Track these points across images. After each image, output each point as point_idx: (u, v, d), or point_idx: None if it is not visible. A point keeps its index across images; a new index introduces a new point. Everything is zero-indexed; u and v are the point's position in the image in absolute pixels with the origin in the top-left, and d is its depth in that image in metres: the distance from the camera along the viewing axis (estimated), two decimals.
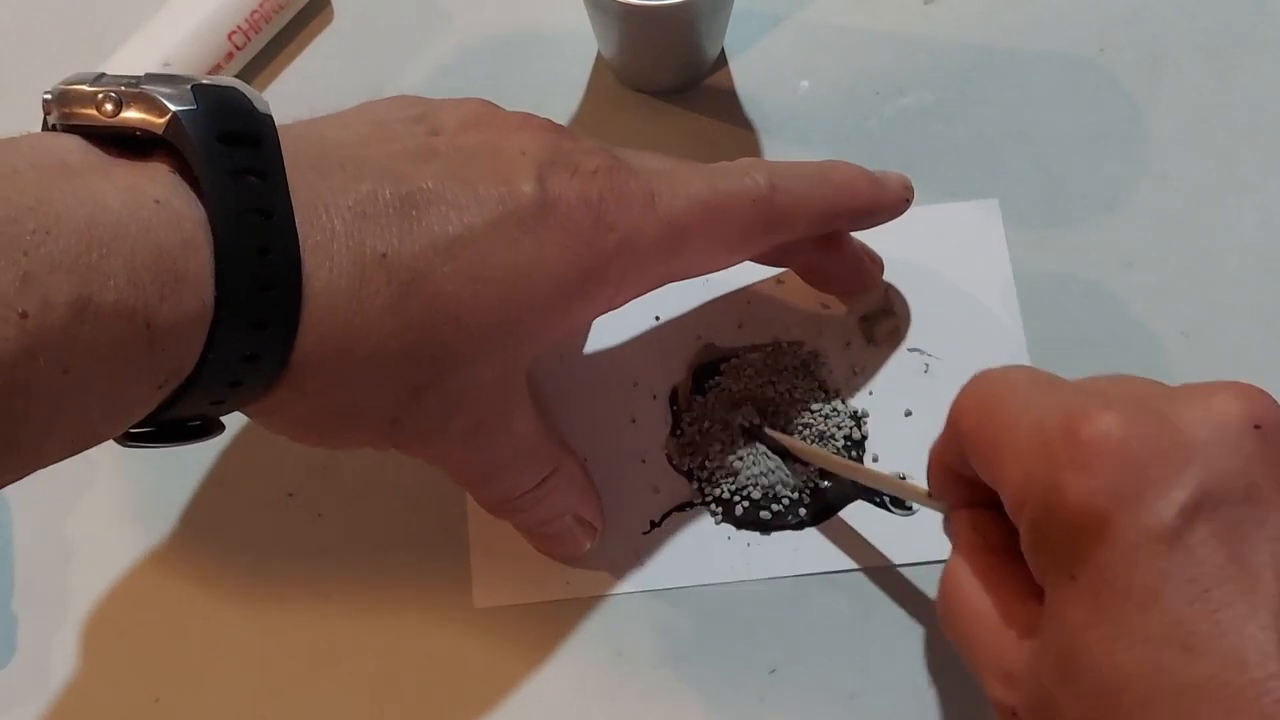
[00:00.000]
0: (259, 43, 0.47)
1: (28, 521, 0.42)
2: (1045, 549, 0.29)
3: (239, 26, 0.45)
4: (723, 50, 0.47)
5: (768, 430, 0.41)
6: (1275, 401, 0.29)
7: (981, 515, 0.34)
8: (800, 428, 0.41)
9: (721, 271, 0.39)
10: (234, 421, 0.34)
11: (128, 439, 0.30)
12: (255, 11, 0.46)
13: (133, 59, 0.45)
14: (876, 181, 0.38)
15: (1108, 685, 0.27)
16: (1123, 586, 0.27)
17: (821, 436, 0.41)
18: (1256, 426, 0.28)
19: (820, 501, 0.41)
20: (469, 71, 0.47)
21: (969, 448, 0.32)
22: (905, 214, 0.44)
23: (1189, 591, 0.27)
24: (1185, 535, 0.27)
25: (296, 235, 0.29)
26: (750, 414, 0.41)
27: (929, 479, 0.36)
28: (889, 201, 0.39)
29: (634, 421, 0.42)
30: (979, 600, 0.32)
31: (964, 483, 0.34)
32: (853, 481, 0.41)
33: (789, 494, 0.41)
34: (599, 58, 0.47)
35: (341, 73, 0.47)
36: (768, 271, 0.43)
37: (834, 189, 0.37)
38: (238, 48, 0.46)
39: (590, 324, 0.42)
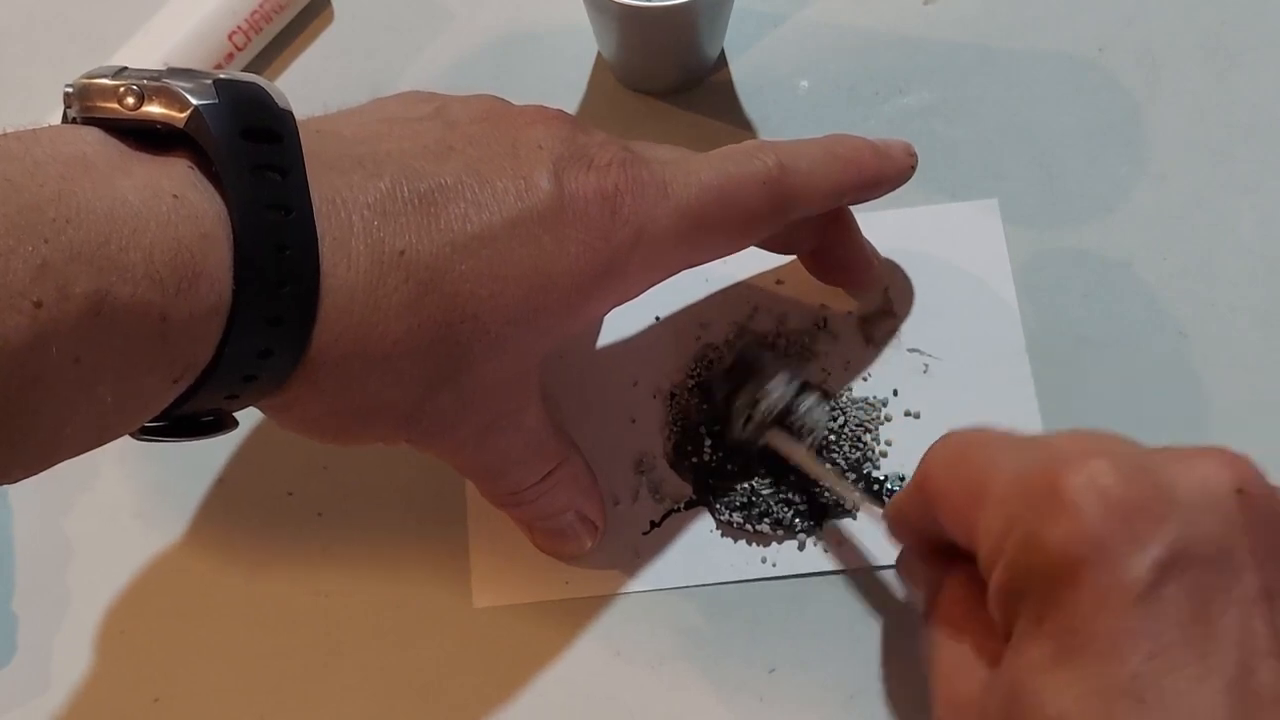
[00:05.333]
0: (259, 43, 0.47)
1: (28, 521, 0.42)
2: (1017, 594, 0.29)
3: (239, 26, 0.46)
4: (723, 50, 0.47)
5: (766, 437, 0.41)
6: (1258, 469, 0.29)
7: (948, 565, 0.34)
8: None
9: (721, 270, 0.39)
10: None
11: (141, 433, 0.31)
12: (255, 11, 0.46)
13: (133, 59, 0.45)
14: (881, 152, 0.39)
15: None
16: (1086, 634, 0.28)
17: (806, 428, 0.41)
18: (1239, 491, 0.28)
19: (820, 502, 0.41)
20: (469, 72, 0.47)
21: (939, 502, 0.33)
22: (905, 214, 0.44)
23: (1150, 647, 0.27)
24: (1155, 591, 0.27)
25: (315, 232, 0.30)
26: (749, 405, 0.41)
27: (888, 529, 0.37)
28: (894, 171, 0.39)
29: (634, 421, 0.42)
30: (944, 638, 0.33)
31: (922, 539, 0.35)
32: (857, 483, 0.41)
33: (790, 493, 0.41)
34: (599, 58, 0.47)
35: (342, 73, 0.48)
36: (767, 270, 0.43)
37: (841, 164, 0.38)
38: (238, 48, 0.46)
39: (604, 316, 0.42)
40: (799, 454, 0.40)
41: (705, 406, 0.42)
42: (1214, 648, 0.27)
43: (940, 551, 0.35)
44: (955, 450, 0.33)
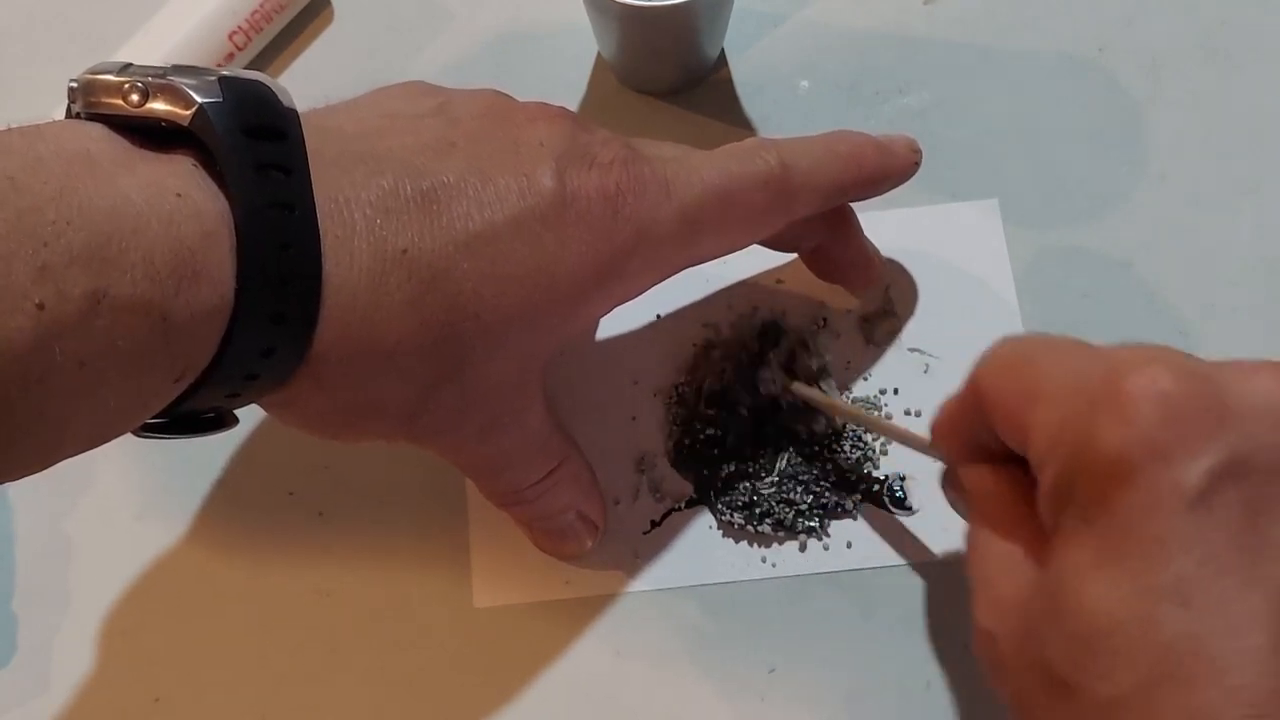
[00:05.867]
0: (259, 43, 0.47)
1: (28, 521, 0.42)
2: (1067, 493, 0.29)
3: (239, 27, 0.46)
4: (723, 50, 0.47)
5: (794, 386, 0.41)
6: None
7: (996, 467, 0.34)
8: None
9: (721, 269, 0.39)
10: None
11: (142, 430, 0.31)
12: (255, 11, 0.46)
13: (133, 59, 0.44)
14: (883, 148, 0.39)
15: (1095, 627, 0.28)
16: (1136, 535, 0.28)
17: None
18: None
19: (821, 502, 0.41)
20: (469, 72, 0.47)
21: (992, 405, 0.33)
22: (905, 214, 0.44)
23: (1200, 552, 0.27)
24: (1209, 498, 0.27)
25: (318, 231, 0.30)
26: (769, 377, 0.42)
27: (934, 438, 0.37)
28: (897, 168, 0.39)
29: (634, 419, 0.42)
30: (991, 536, 0.33)
31: (972, 447, 0.35)
32: (857, 483, 0.41)
33: (791, 493, 0.41)
34: (599, 58, 0.47)
35: (342, 73, 0.48)
36: (768, 269, 0.43)
37: (843, 161, 0.38)
38: (238, 48, 0.46)
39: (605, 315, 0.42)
40: (836, 402, 0.41)
41: (724, 370, 0.42)
42: (1264, 558, 0.27)
43: (988, 459, 0.34)
44: (1012, 352, 0.33)
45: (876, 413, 0.42)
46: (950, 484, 0.38)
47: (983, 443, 0.34)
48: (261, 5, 0.46)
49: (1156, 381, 0.28)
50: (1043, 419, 0.30)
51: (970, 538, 0.34)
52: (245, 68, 0.47)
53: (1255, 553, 0.27)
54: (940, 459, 0.37)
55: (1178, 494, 0.27)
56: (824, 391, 0.42)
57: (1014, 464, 0.33)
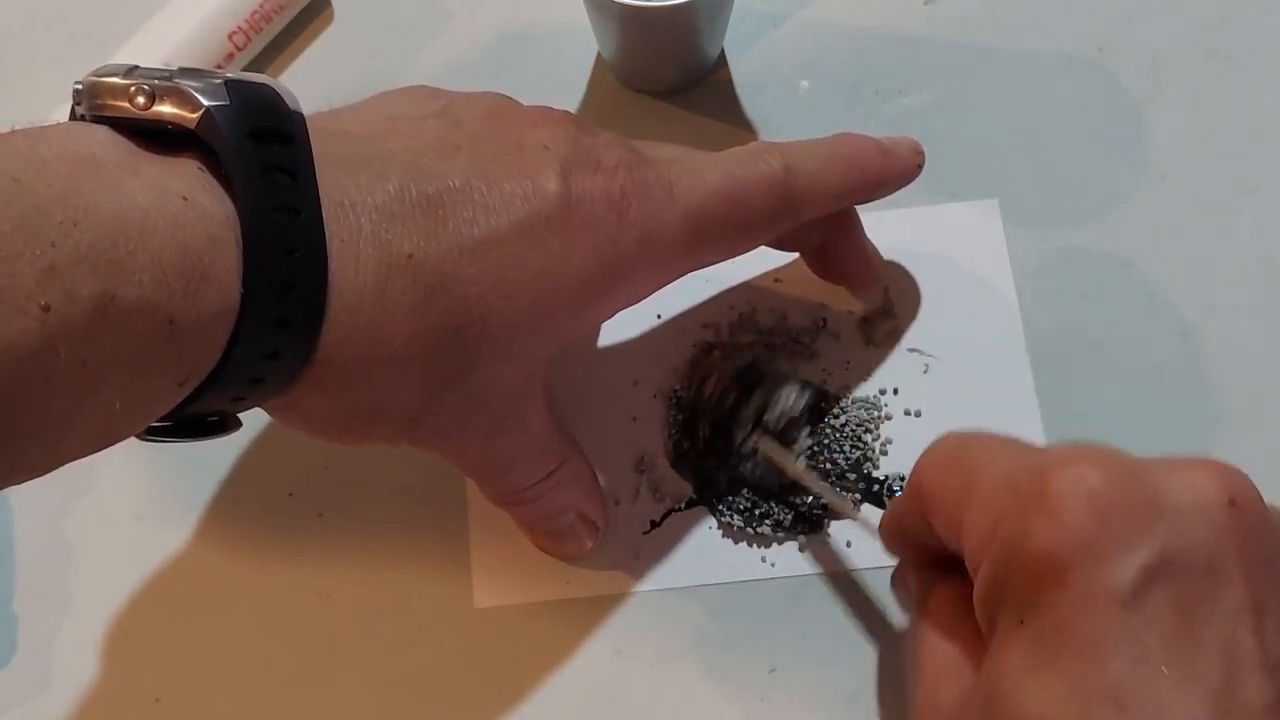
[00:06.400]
0: (259, 43, 0.47)
1: (28, 521, 0.42)
2: (1000, 594, 0.29)
3: (239, 27, 0.46)
4: (723, 50, 0.47)
5: (762, 445, 0.41)
6: (1250, 482, 0.29)
7: (936, 575, 0.34)
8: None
9: (722, 270, 0.40)
10: None
11: (145, 434, 0.31)
12: (255, 11, 0.46)
13: (133, 59, 0.44)
14: (887, 151, 0.39)
15: None
16: (1069, 637, 0.27)
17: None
18: (1231, 502, 0.28)
19: (821, 502, 0.41)
20: (469, 72, 0.47)
21: (931, 503, 0.33)
22: (905, 214, 0.44)
23: (1134, 652, 0.27)
24: (1141, 597, 0.27)
25: (323, 235, 0.30)
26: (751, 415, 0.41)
27: (880, 537, 0.37)
28: (899, 171, 0.39)
29: (634, 420, 0.42)
30: (931, 643, 0.33)
31: (916, 548, 0.35)
32: (857, 483, 0.42)
33: (791, 495, 0.41)
34: (599, 58, 0.47)
35: (342, 73, 0.48)
36: (768, 269, 0.43)
37: (847, 165, 0.38)
38: (238, 48, 0.46)
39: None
40: (792, 466, 0.40)
41: (708, 405, 0.42)
42: (1198, 657, 0.27)
43: (934, 563, 0.34)
44: (948, 450, 0.33)
45: (877, 412, 0.42)
46: (899, 582, 0.38)
47: (926, 542, 0.34)
48: (261, 5, 0.46)
49: (1084, 479, 0.28)
50: (976, 518, 0.30)
51: (911, 640, 0.34)
52: (245, 68, 0.47)
53: (1190, 651, 0.27)
54: (888, 551, 0.38)
55: (1110, 593, 0.27)
56: (790, 445, 0.41)
57: (958, 570, 0.33)
